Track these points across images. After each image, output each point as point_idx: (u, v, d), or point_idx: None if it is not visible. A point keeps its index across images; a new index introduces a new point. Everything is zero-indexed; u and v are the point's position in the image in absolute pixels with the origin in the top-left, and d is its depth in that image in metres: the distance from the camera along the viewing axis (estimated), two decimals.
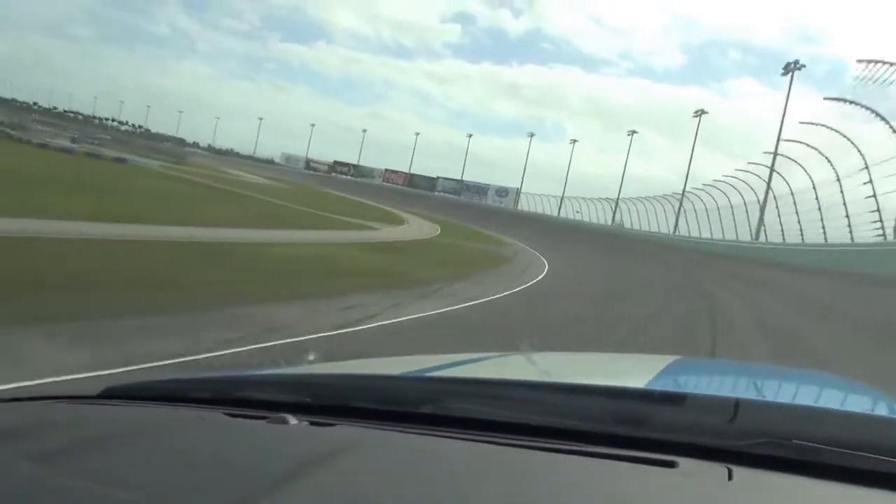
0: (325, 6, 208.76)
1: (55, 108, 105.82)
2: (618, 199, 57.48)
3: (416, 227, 35.18)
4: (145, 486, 0.87)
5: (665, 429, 1.03)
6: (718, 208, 44.75)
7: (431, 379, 1.49)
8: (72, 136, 52.58)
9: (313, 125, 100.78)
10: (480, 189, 77.93)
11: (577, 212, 63.96)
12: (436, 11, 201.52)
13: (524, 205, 71.93)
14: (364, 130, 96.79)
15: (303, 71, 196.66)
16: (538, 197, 71.05)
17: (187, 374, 1.71)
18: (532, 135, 78.07)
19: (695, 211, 47.93)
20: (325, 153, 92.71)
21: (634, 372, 1.83)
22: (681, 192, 49.11)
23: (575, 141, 71.73)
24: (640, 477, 0.91)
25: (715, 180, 45.18)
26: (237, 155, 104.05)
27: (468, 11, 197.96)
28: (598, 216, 60.75)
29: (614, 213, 58.26)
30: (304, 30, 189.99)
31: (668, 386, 1.51)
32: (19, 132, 41.87)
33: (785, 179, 38.28)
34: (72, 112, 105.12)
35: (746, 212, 41.54)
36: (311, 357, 2.16)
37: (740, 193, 42.05)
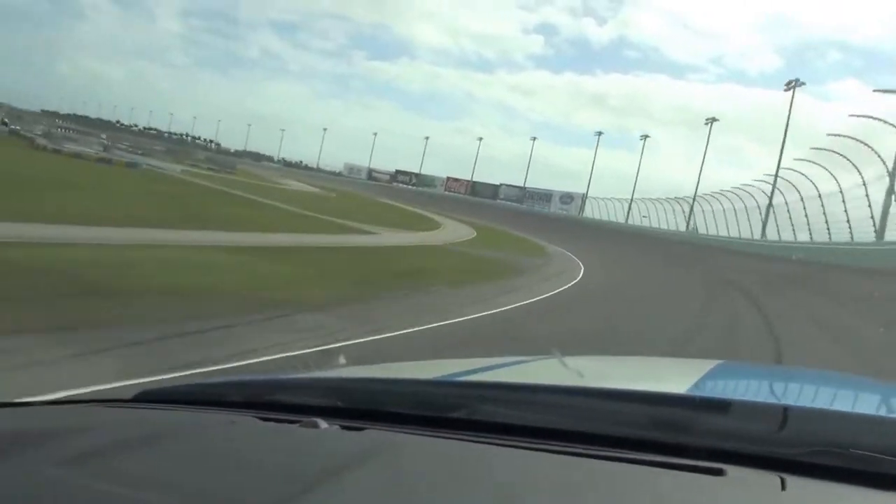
0: (408, 23, 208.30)
1: (135, 125, 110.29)
2: (694, 199, 49.83)
3: (434, 233, 30.96)
4: (177, 489, 0.89)
5: (710, 435, 1.00)
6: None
7: (463, 384, 1.45)
8: (103, 143, 51.75)
9: (375, 134, 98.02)
10: (544, 196, 72.04)
11: (645, 216, 56.74)
12: (518, 23, 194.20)
13: (591, 211, 65.26)
14: (426, 138, 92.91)
15: (387, 87, 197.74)
16: (605, 202, 63.99)
17: (220, 378, 1.87)
18: (600, 133, 71.12)
19: (787, 209, 39.06)
20: (409, 167, 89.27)
21: (676, 377, 1.77)
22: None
23: (646, 136, 64.37)
24: (685, 484, 0.89)
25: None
26: (305, 167, 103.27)
27: (551, 22, 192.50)
28: (670, 221, 53.14)
29: (688, 217, 50.57)
30: (389, 47, 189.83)
31: (711, 391, 1.48)
32: (47, 140, 40.67)
33: None
34: (151, 129, 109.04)
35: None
36: (343, 361, 2.04)
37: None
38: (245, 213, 24.13)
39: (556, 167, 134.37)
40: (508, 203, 73.21)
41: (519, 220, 50.86)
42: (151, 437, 1.10)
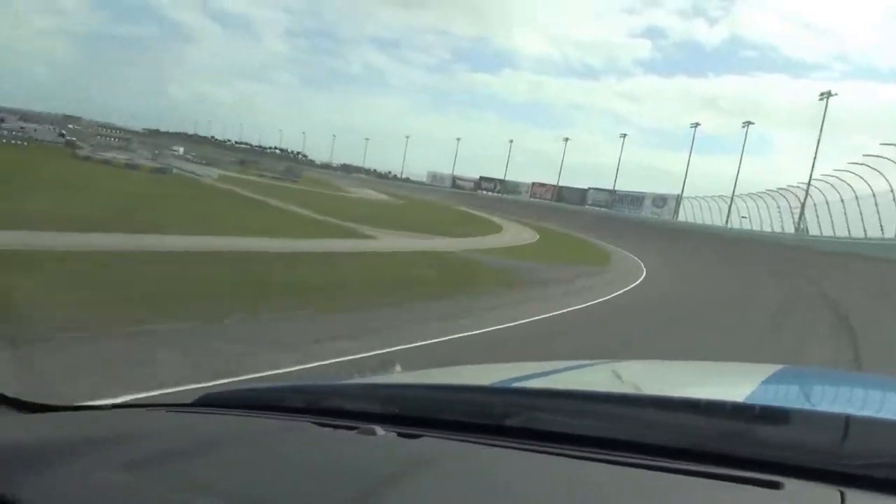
0: (509, 34, 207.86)
1: (228, 139, 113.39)
2: (805, 196, 41.11)
3: (468, 240, 26.30)
4: (235, 495, 0.91)
5: (767, 447, 0.97)
6: None
7: (518, 390, 1.44)
8: (154, 153, 51.92)
9: (458, 139, 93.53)
10: (635, 199, 64.62)
11: (744, 217, 48.09)
12: (624, 29, 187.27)
13: (687, 214, 57.07)
14: (511, 141, 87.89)
15: (489, 99, 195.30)
16: (702, 201, 55.28)
17: (280, 384, 1.87)
18: (696, 125, 62.60)
19: None
20: (516, 177, 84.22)
21: (733, 383, 1.72)
22: None
23: (749, 123, 55.16)
24: (741, 497, 0.87)
25: None
26: (394, 178, 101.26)
27: (659, 25, 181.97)
28: (775, 221, 44.40)
29: (799, 218, 41.62)
30: (490, 59, 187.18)
31: (770, 399, 1.45)
32: (90, 149, 40.57)
33: None
34: (242, 143, 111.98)
35: None
36: (398, 367, 2.03)
37: None
38: (211, 213, 20.45)
39: (667, 174, 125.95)
40: (595, 208, 66.61)
41: (601, 226, 45.73)
42: (211, 442, 1.13)
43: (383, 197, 59.12)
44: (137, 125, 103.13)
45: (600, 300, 13.99)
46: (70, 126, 58.98)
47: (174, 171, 37.87)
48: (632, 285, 17.88)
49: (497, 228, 37.38)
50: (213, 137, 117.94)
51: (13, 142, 37.19)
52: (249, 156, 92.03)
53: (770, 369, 1.71)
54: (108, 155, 37.91)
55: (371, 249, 18.08)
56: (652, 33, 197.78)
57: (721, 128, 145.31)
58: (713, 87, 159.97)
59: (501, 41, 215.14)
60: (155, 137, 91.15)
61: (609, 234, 39.29)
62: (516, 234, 34.71)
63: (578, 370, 1.90)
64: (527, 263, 19.45)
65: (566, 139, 79.93)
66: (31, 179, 20.87)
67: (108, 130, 67.05)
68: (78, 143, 45.27)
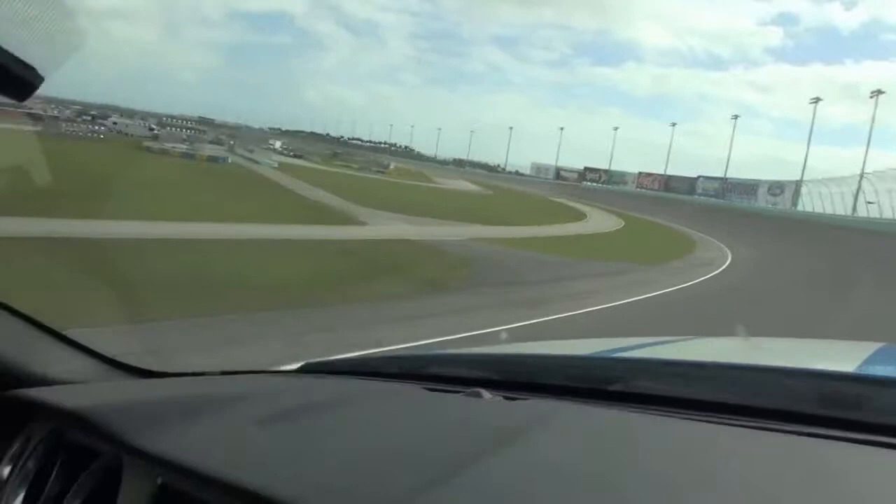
0: (632, 26, 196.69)
1: (341, 136, 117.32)
2: None
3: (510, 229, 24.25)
4: (352, 449, 0.96)
5: (884, 412, 0.96)
6: None
7: (622, 360, 1.42)
8: (230, 144, 53.68)
9: (562, 128, 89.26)
10: (748, 187, 57.71)
11: (871, 202, 40.54)
12: (752, 16, 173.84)
13: (807, 203, 49.60)
14: (615, 128, 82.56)
15: (612, 93, 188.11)
16: (822, 187, 47.49)
17: (379, 354, 1.88)
18: (817, 100, 54.44)
19: None
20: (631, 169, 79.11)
21: (841, 356, 1.66)
22: None
23: (878, 92, 47.29)
24: (859, 457, 0.86)
25: None
26: (503, 171, 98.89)
27: (790, 11, 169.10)
28: None
29: None
30: (612, 52, 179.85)
31: (882, 371, 1.41)
32: (155, 142, 42.57)
33: None
34: (354, 139, 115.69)
35: None
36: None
37: None
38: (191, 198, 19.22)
39: (794, 166, 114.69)
40: (703, 198, 60.46)
41: (709, 218, 40.52)
42: (325, 403, 1.18)
43: (472, 188, 57.46)
44: (266, 125, 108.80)
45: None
46: (198, 127, 61.87)
47: (229, 160, 38.15)
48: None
49: (572, 218, 34.53)
50: (328, 135, 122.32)
51: (89, 134, 38.53)
52: (359, 151, 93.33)
53: (878, 345, 1.62)
54: (170, 145, 38.96)
55: (344, 237, 16.00)
56: (783, 20, 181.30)
57: (859, 115, 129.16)
58: (851, 74, 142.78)
59: (623, 34, 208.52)
60: (277, 136, 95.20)
61: (709, 225, 34.82)
62: (597, 222, 31.83)
63: (675, 344, 1.85)
64: (551, 257, 16.75)
65: (673, 124, 73.88)
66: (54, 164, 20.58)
67: (211, 127, 70.03)
68: (159, 136, 46.78)
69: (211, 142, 51.56)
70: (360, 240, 16.18)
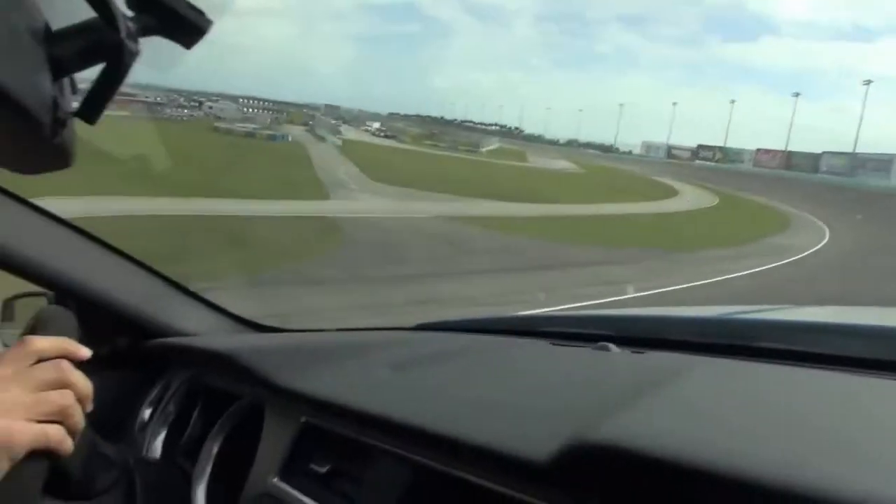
0: None
1: (455, 118, 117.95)
2: None
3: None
4: (483, 397, 0.97)
5: None
6: None
7: (743, 320, 1.40)
8: (308, 124, 54.64)
9: (675, 103, 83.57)
10: (881, 163, 50.48)
11: None
12: None
13: None
14: (732, 101, 76.11)
15: (744, 69, 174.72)
16: None
17: (494, 315, 2.05)
18: None
19: None
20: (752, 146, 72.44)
21: None
22: None
23: None
24: None
25: None
26: (616, 150, 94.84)
27: None
28: None
29: None
30: (746, 27, 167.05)
31: None
32: (224, 122, 43.19)
33: None
34: (467, 121, 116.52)
35: None
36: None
37: None
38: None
39: None
40: (828, 177, 53.53)
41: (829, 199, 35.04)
42: (452, 353, 1.21)
43: (564, 166, 55.60)
44: (395, 110, 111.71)
45: None
46: (321, 115, 64.46)
47: (289, 138, 38.83)
48: None
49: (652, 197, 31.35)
50: (442, 118, 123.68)
51: (176, 118, 40.32)
52: (460, 132, 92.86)
53: None
54: (239, 125, 40.30)
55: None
56: None
57: None
58: None
59: (758, 6, 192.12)
60: (393, 120, 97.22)
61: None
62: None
63: (798, 309, 1.88)
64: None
65: (796, 94, 67.00)
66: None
67: (332, 113, 73.09)
68: (248, 118, 48.85)
69: (301, 123, 52.95)
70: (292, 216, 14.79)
